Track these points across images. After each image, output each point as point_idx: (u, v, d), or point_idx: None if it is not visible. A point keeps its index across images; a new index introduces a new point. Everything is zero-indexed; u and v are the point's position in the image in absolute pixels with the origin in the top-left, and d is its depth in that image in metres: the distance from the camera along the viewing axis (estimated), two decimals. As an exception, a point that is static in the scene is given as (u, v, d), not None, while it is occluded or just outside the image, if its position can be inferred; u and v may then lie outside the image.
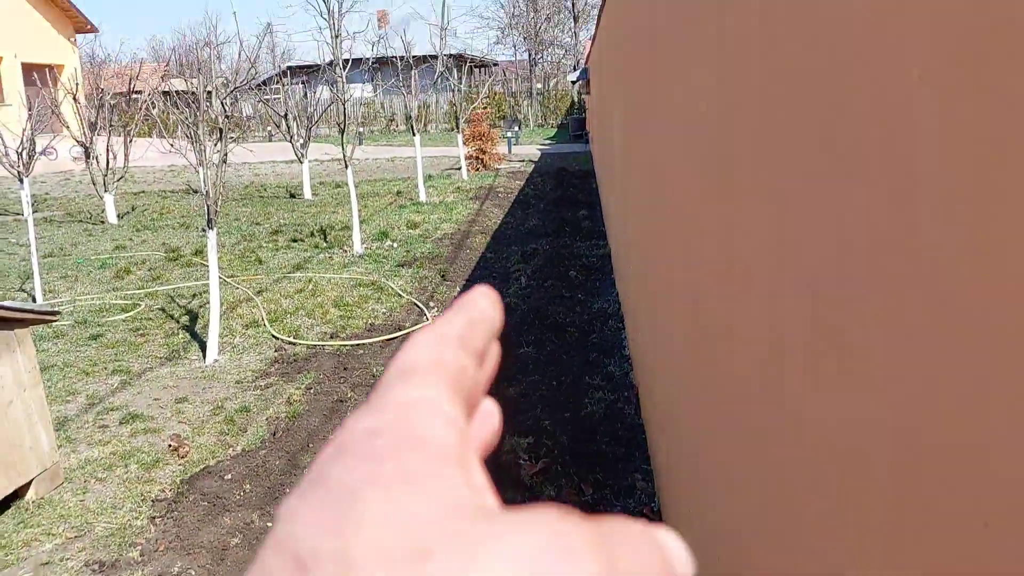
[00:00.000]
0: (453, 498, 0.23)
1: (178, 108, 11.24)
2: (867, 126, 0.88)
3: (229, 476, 4.61)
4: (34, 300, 8.42)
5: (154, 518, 4.18)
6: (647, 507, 4.00)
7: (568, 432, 4.82)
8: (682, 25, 2.39)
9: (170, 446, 4.96)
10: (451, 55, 28.48)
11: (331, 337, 7.02)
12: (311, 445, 4.94)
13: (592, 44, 15.78)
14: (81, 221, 14.37)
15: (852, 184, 0.95)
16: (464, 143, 19.34)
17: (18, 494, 4.34)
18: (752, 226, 1.54)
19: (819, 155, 1.06)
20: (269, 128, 34.97)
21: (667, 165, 3.04)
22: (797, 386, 1.29)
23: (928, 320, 0.76)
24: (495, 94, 37.68)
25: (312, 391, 5.79)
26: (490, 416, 0.33)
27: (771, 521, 1.50)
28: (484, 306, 0.34)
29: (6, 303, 4.20)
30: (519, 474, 4.31)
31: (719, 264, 1.93)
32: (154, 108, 17.40)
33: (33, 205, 11.64)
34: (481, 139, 20.52)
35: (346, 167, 10.85)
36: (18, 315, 4.26)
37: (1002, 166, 0.63)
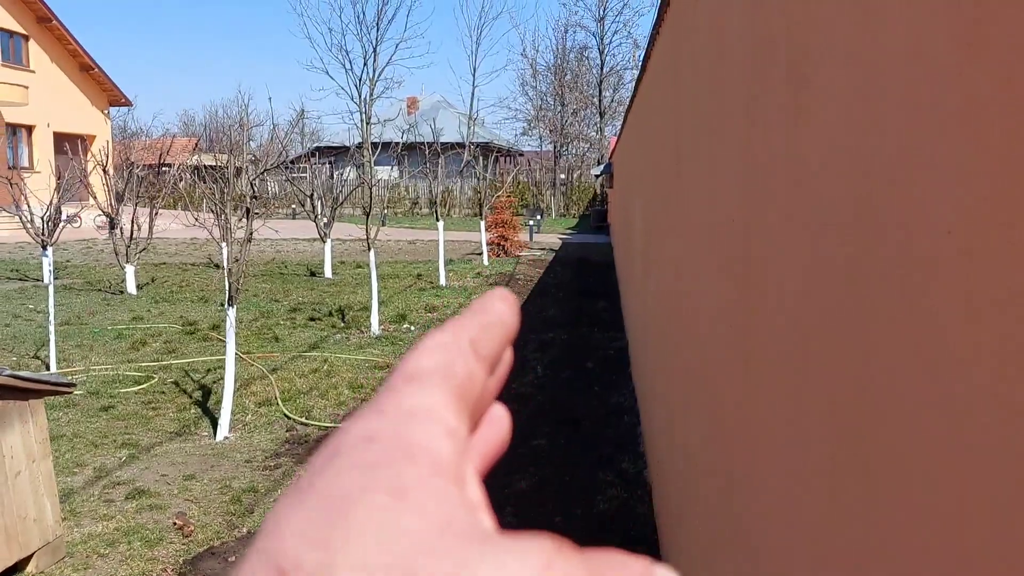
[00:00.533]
0: (446, 516, 0.22)
1: (205, 182, 11.46)
2: (894, 273, 0.88)
3: (233, 558, 4.53)
4: (48, 368, 8.45)
5: (153, 599, 4.10)
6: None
7: (579, 530, 4.72)
8: (708, 136, 2.42)
9: (175, 524, 4.90)
10: (478, 144, 29.04)
11: (344, 419, 6.98)
12: (317, 530, 4.86)
13: (617, 141, 16.06)
14: (100, 290, 14.51)
15: (877, 324, 0.94)
16: (486, 229, 19.55)
17: (19, 567, 4.27)
18: (775, 340, 1.53)
19: (844, 290, 1.06)
20: (293, 206, 35.52)
21: (688, 266, 3.05)
22: (818, 498, 1.26)
23: (955, 449, 0.75)
24: (519, 183, 38.24)
25: (321, 474, 5.72)
26: (499, 422, 0.32)
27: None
28: (500, 310, 0.32)
29: (22, 373, 4.22)
30: (527, 572, 4.21)
31: (738, 371, 1.91)
32: (181, 181, 17.78)
33: (54, 272, 11.79)
34: (503, 226, 20.75)
35: (369, 249, 10.96)
36: (33, 386, 4.27)
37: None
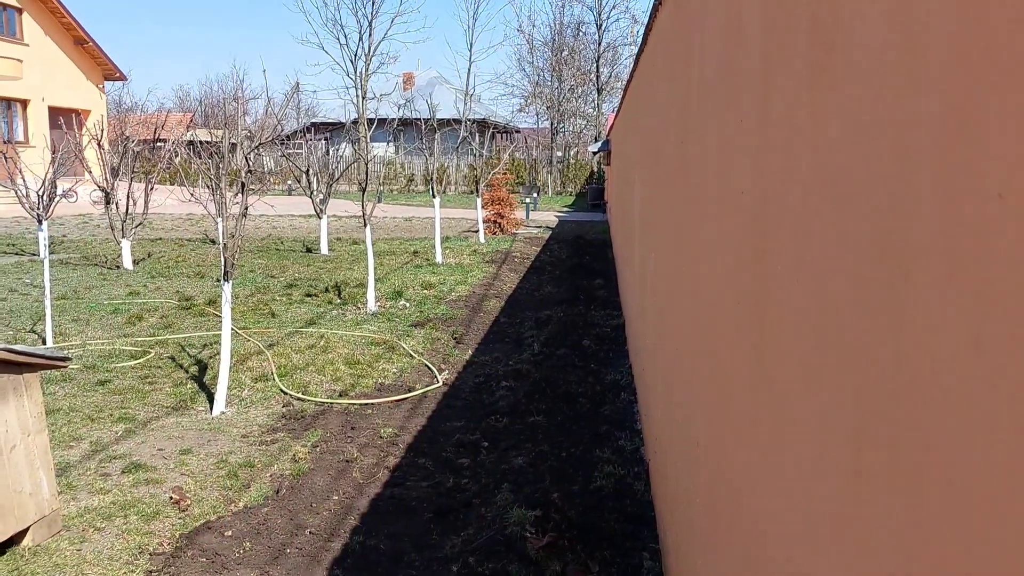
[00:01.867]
0: None
1: (201, 158, 11.36)
2: (933, 236, 0.84)
3: (230, 533, 4.51)
4: (44, 342, 8.40)
5: (151, 572, 4.08)
6: (655, 590, 3.88)
7: (576, 506, 4.71)
8: (721, 111, 2.38)
9: (171, 498, 4.87)
10: (474, 120, 28.90)
11: (340, 395, 6.95)
12: (314, 505, 4.85)
13: (615, 117, 15.97)
14: (97, 265, 14.45)
15: (910, 293, 0.91)
16: (483, 207, 19.47)
17: (14, 540, 4.25)
18: (788, 320, 1.50)
19: (873, 262, 1.02)
20: (289, 182, 35.36)
21: (694, 245, 3.01)
22: (834, 484, 1.23)
23: (991, 446, 0.71)
24: (515, 160, 38.09)
25: (319, 449, 5.71)
26: None
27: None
28: None
29: (17, 347, 4.17)
30: (525, 548, 4.20)
31: (748, 352, 1.88)
32: (177, 157, 17.67)
33: (50, 247, 11.72)
34: (500, 204, 20.68)
35: (365, 225, 10.90)
36: (28, 359, 4.23)
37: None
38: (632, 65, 8.80)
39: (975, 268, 0.75)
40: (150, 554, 4.27)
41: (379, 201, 28.51)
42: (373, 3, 13.27)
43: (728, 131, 2.21)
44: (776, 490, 1.61)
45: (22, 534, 4.26)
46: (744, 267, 1.95)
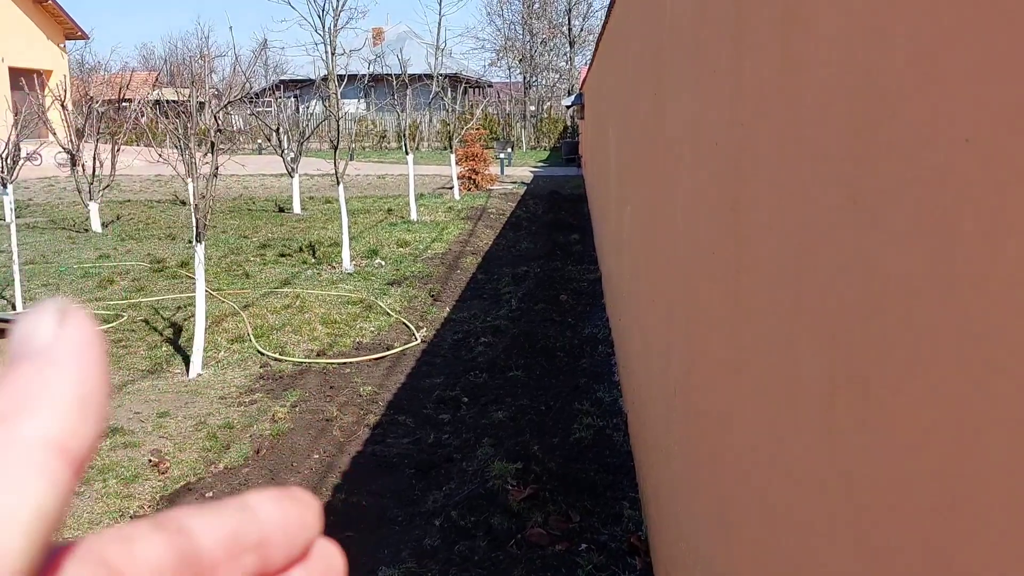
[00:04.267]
0: None
1: (168, 118, 11.19)
2: (902, 182, 0.85)
3: (210, 494, 4.53)
4: (14, 308, 8.31)
5: (132, 536, 4.10)
6: (634, 535, 3.95)
7: (557, 458, 4.77)
8: (693, 60, 2.37)
9: (150, 461, 4.88)
10: (446, 75, 28.57)
11: (318, 355, 6.95)
12: (295, 464, 4.87)
13: (588, 70, 15.86)
14: (65, 228, 14.25)
15: (881, 239, 0.91)
16: (457, 163, 19.35)
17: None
18: (764, 265, 1.51)
19: (845, 207, 1.03)
20: (259, 141, 34.92)
21: (669, 197, 3.01)
22: (809, 430, 1.25)
23: (963, 378, 0.72)
24: (488, 115, 37.80)
25: (297, 409, 5.71)
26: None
27: (769, 559, 1.46)
28: (276, 518, 0.27)
29: (-11, 312, 4.13)
30: (507, 500, 4.25)
31: (725, 301, 1.90)
32: (143, 117, 17.39)
33: (16, 211, 11.53)
34: (474, 159, 20.56)
35: (338, 183, 10.81)
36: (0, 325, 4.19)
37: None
38: (604, 16, 8.72)
39: (943, 213, 0.76)
40: (131, 517, 4.28)
41: (351, 159, 28.25)
42: (340, -44, 12.99)
43: (701, 81, 2.20)
44: (750, 435, 1.64)
45: None
46: (719, 217, 1.96)
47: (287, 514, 0.27)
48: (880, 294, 0.93)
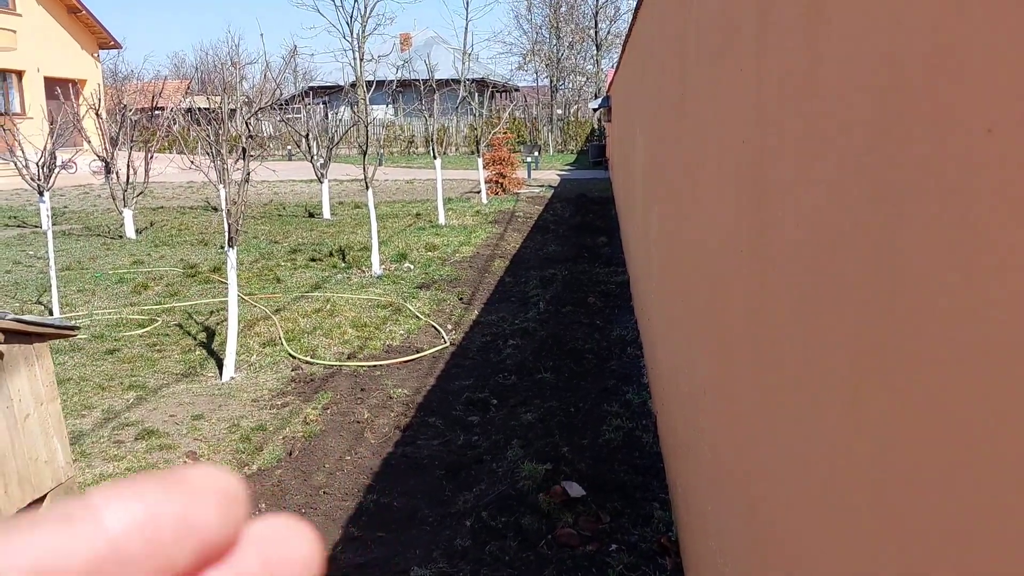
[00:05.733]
0: None
1: (200, 125, 11.34)
2: (924, 174, 0.86)
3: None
4: (51, 313, 8.45)
5: (167, 536, 4.15)
6: (664, 536, 3.95)
7: (586, 459, 4.77)
8: (715, 60, 2.37)
9: (185, 463, 4.94)
10: (473, 80, 28.67)
11: (348, 357, 7.00)
12: (327, 465, 4.91)
13: (615, 73, 15.85)
14: (99, 235, 14.47)
15: (903, 230, 0.92)
16: (484, 167, 19.40)
17: (32, 508, 4.32)
18: (788, 261, 1.51)
19: (868, 201, 1.04)
20: (289, 147, 35.22)
21: (695, 197, 3.01)
22: (835, 425, 1.25)
23: (983, 367, 0.73)
24: (515, 119, 37.85)
25: (329, 411, 5.76)
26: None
27: (797, 558, 1.46)
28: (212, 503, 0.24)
29: (26, 317, 4.21)
30: (536, 501, 4.26)
31: (750, 298, 1.90)
32: (175, 124, 17.60)
33: (52, 218, 11.73)
34: (501, 163, 20.60)
35: (367, 188, 10.88)
36: (37, 329, 4.27)
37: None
38: (631, 18, 8.72)
39: (966, 204, 0.77)
40: (167, 517, 4.34)
41: (380, 164, 28.43)
42: (367, -37, 13.09)
43: (726, 79, 2.21)
44: (777, 432, 1.64)
45: (39, 502, 4.33)
46: (745, 215, 1.96)
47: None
48: (904, 287, 0.94)
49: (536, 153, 27.72)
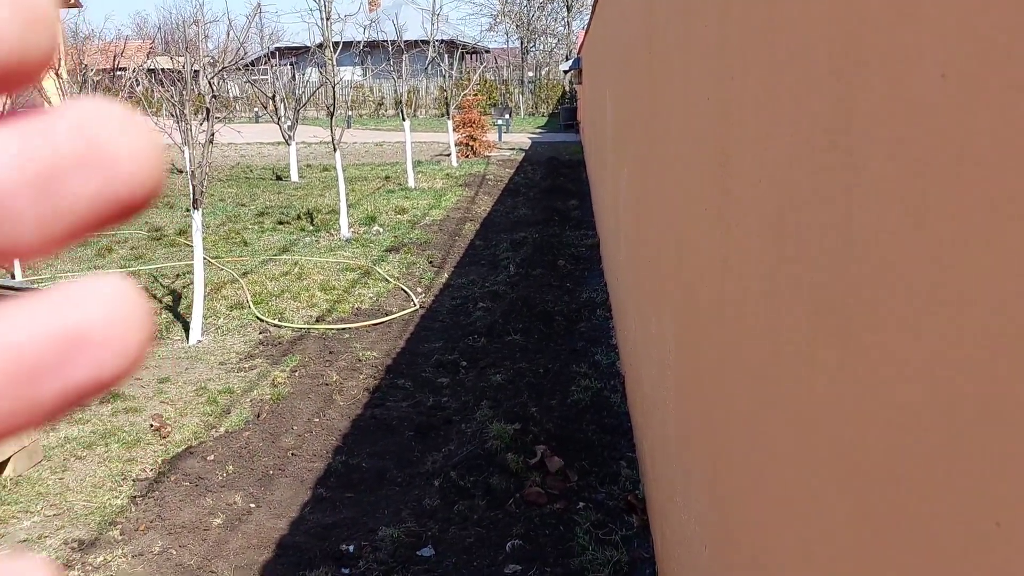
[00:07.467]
0: None
1: (163, 86, 11.13)
2: (879, 124, 0.86)
3: (212, 457, 4.57)
4: (13, 276, 8.32)
5: (135, 497, 4.14)
6: (631, 493, 4.00)
7: (555, 419, 4.80)
8: (681, 17, 2.36)
9: (152, 426, 4.92)
10: (443, 41, 28.34)
11: (317, 320, 6.97)
12: (295, 427, 4.91)
13: (586, 34, 15.75)
14: (65, 198, 14.20)
15: (860, 180, 0.92)
16: (454, 130, 19.25)
17: (-4, 472, 4.29)
18: (751, 219, 1.52)
19: (825, 152, 1.04)
20: (256, 109, 34.71)
21: (662, 157, 3.01)
22: (793, 380, 1.27)
23: (936, 320, 0.74)
24: (486, 81, 37.54)
25: (297, 374, 5.75)
26: None
27: (759, 513, 1.49)
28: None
29: (-13, 278, 4.14)
30: (505, 460, 4.29)
31: (714, 257, 1.91)
32: (138, 86, 17.27)
33: (16, 181, 11.51)
34: (471, 126, 20.44)
35: (335, 150, 10.77)
36: (-1, 291, 4.20)
37: (1018, 168, 0.60)
38: (601, -22, 8.64)
39: (918, 151, 0.77)
40: (133, 480, 4.33)
41: (348, 126, 28.13)
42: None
43: (692, 35, 2.19)
44: (738, 385, 1.66)
45: (3, 466, 4.30)
46: (708, 172, 1.96)
47: None
48: (859, 236, 0.94)
49: (507, 116, 27.53)
